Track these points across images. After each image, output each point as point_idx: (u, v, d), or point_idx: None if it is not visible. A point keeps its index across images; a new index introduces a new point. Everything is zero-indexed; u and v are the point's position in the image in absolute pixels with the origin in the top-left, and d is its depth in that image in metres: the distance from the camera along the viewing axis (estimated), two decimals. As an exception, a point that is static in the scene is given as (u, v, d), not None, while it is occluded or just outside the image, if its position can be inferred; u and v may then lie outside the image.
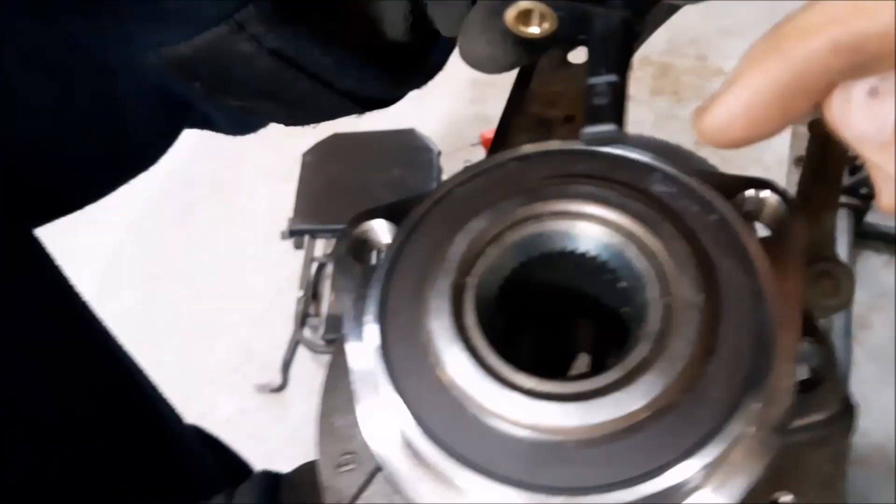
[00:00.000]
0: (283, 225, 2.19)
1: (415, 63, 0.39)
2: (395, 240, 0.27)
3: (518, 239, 0.26)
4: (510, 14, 0.26)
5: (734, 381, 0.22)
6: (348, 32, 0.36)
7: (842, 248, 1.96)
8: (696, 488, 0.22)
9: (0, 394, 0.40)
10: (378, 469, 0.29)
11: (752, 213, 0.27)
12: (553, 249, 0.26)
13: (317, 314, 2.27)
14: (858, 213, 2.12)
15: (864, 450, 1.80)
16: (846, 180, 2.01)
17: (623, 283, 0.25)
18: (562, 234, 0.26)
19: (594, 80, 0.25)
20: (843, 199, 2.00)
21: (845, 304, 0.77)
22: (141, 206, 2.42)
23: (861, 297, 2.08)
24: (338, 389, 0.32)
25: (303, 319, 2.21)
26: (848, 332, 1.90)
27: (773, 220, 0.27)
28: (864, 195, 2.03)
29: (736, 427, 0.22)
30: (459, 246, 0.25)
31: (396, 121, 2.14)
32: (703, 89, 2.49)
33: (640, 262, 0.24)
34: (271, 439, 2.09)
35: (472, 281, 0.25)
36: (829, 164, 0.75)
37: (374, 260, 0.30)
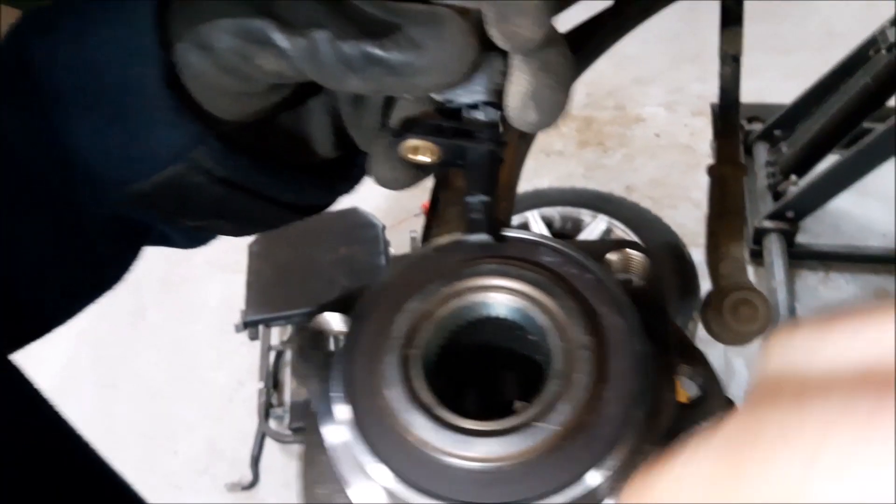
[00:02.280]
0: (237, 317, 2.19)
1: (344, 173, 0.46)
2: (348, 329, 0.33)
3: (446, 313, 0.32)
4: (403, 148, 0.33)
5: (625, 398, 0.29)
6: (284, 154, 0.43)
7: (779, 271, 2.10)
8: (611, 486, 0.29)
9: None
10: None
11: (623, 268, 0.35)
12: (474, 317, 0.33)
13: (280, 404, 2.25)
14: (788, 237, 2.26)
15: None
16: (771, 207, 2.16)
17: (532, 337, 0.32)
18: (479, 304, 0.32)
19: (470, 199, 0.33)
20: (772, 224, 2.15)
21: (765, 327, 0.85)
22: (90, 313, 2.39)
23: (804, 314, 2.21)
24: (315, 463, 0.37)
25: (266, 411, 2.19)
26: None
27: (640, 270, 0.35)
28: (790, 219, 2.17)
29: (630, 434, 0.28)
30: (401, 325, 0.32)
31: (339, 201, 2.21)
32: (626, 137, 2.67)
33: (540, 319, 0.31)
34: (250, 538, 2.03)
35: (415, 352, 0.31)
36: (729, 200, 0.84)
37: (331, 345, 0.36)
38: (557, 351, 0.30)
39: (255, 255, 2.12)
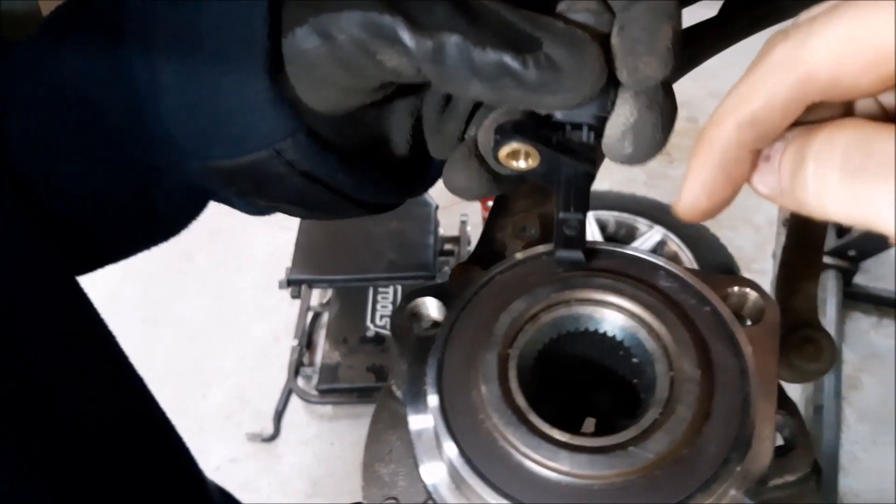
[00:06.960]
0: (281, 273, 2.23)
1: (417, 176, 0.45)
2: (448, 316, 0.33)
3: (551, 319, 0.32)
4: (503, 151, 0.32)
5: (725, 439, 0.28)
6: (361, 152, 0.41)
7: (831, 310, 2.03)
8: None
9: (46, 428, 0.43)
10: (419, 510, 0.35)
11: (736, 305, 0.34)
12: (579, 329, 0.32)
13: (310, 364, 2.29)
14: (847, 275, 2.18)
15: (857, 510, 1.81)
16: (834, 243, 2.09)
17: (635, 359, 0.31)
18: (586, 317, 0.32)
19: (567, 216, 0.32)
20: (831, 261, 2.08)
21: (827, 368, 0.82)
22: (139, 251, 2.45)
23: (850, 358, 2.14)
24: (381, 441, 0.37)
25: (297, 369, 2.23)
26: (838, 393, 1.95)
27: (753, 311, 0.34)
28: (851, 257, 2.10)
29: (727, 475, 0.28)
30: (503, 323, 0.31)
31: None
32: (693, 149, 2.60)
33: (649, 343, 0.30)
34: (262, 488, 2.08)
35: (513, 352, 0.31)
36: (810, 233, 0.81)
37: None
38: (663, 379, 0.29)
39: (308, 216, 2.14)
